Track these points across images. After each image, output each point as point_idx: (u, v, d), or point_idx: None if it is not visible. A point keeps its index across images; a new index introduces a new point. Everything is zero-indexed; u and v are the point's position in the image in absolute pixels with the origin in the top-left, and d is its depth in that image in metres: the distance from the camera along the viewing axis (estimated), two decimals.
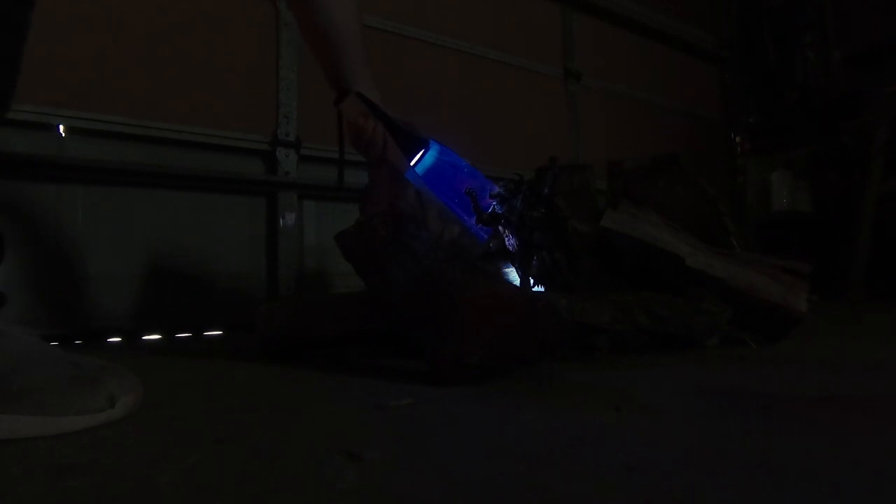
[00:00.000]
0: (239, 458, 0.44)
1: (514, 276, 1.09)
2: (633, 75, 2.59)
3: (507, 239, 1.09)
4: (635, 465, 0.41)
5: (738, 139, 3.02)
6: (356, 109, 0.96)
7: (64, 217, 1.28)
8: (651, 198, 1.16)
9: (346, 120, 0.98)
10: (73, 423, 0.51)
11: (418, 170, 1.02)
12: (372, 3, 1.77)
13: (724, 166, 2.99)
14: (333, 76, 0.96)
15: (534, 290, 1.08)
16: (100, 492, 0.37)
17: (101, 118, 1.31)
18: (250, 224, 1.55)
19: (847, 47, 2.66)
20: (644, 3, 2.62)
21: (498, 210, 1.08)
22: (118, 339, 1.32)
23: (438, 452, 0.45)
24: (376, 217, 0.86)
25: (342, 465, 0.42)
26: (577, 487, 0.37)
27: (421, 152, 1.02)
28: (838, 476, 0.39)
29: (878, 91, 2.43)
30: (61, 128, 1.28)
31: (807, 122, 2.75)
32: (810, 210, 2.74)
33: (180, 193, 1.43)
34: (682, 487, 0.37)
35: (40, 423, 0.50)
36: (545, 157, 1.17)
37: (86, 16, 1.31)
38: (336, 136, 1.04)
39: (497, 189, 1.07)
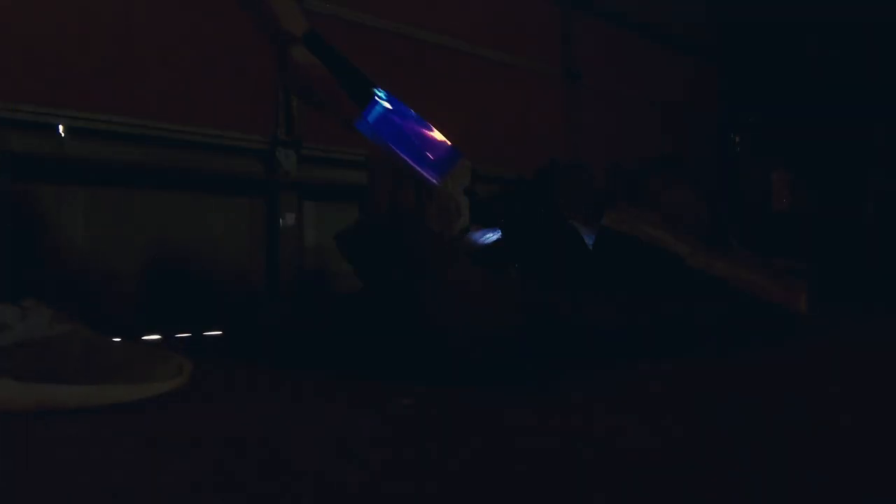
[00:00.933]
0: (239, 458, 0.44)
1: (513, 276, 1.09)
2: (632, 75, 2.58)
3: (506, 239, 1.09)
4: (635, 465, 0.41)
5: (737, 139, 3.02)
6: (302, 56, 0.90)
7: (64, 217, 1.28)
8: (651, 198, 1.16)
9: (298, 70, 0.90)
10: (158, 388, 0.62)
11: (370, 119, 0.95)
12: (371, 4, 1.77)
13: (723, 166, 2.98)
14: (269, 23, 0.91)
15: (533, 290, 1.08)
16: (100, 492, 0.37)
17: (101, 118, 1.31)
18: (250, 224, 1.55)
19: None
20: (644, 4, 2.62)
21: (498, 210, 1.09)
22: (118, 340, 1.32)
23: (439, 453, 0.45)
24: (376, 217, 0.86)
25: (342, 465, 0.42)
26: (577, 487, 0.37)
27: (373, 101, 0.95)
28: (838, 475, 0.39)
29: (879, 90, 2.43)
30: (61, 128, 1.28)
31: (807, 122, 2.75)
32: (810, 210, 2.74)
33: (180, 193, 1.43)
34: (682, 487, 0.37)
35: (137, 390, 0.60)
36: (545, 157, 1.17)
37: (85, 16, 1.31)
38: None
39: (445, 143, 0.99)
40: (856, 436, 0.50)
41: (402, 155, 0.95)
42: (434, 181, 0.97)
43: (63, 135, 1.29)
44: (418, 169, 0.96)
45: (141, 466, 0.42)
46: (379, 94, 0.95)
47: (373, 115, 0.95)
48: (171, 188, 1.42)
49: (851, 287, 2.27)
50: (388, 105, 0.94)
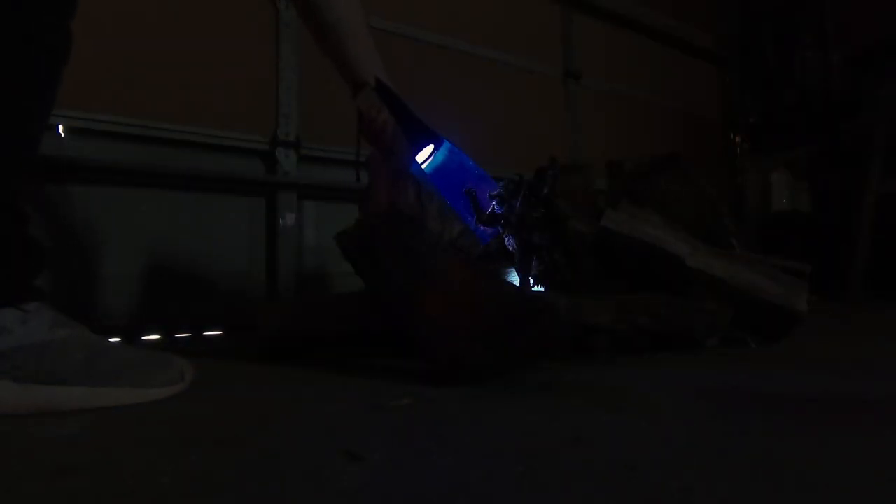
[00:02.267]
0: (239, 458, 0.44)
1: (513, 276, 1.09)
2: (633, 75, 2.59)
3: (506, 239, 1.09)
4: (635, 465, 0.41)
5: (737, 139, 3.02)
6: (369, 102, 0.96)
7: (63, 217, 1.28)
8: (651, 198, 1.16)
9: (361, 112, 0.98)
10: (159, 393, 0.63)
11: (427, 167, 1.02)
12: (371, 3, 1.77)
13: (724, 166, 2.98)
14: (347, 70, 0.97)
15: (533, 290, 1.08)
16: (100, 492, 0.37)
17: (101, 118, 1.31)
18: (250, 224, 1.55)
19: (847, 47, 2.66)
20: (644, 3, 2.62)
21: (497, 210, 1.09)
22: (118, 340, 1.32)
23: (438, 452, 0.45)
24: (376, 217, 0.86)
25: (342, 465, 0.42)
26: (576, 487, 0.37)
27: (431, 148, 1.01)
28: (837, 476, 0.39)
29: (878, 91, 2.43)
30: (61, 128, 1.28)
31: (806, 123, 2.75)
32: (810, 210, 2.74)
33: (180, 193, 1.43)
34: (681, 487, 0.37)
35: (136, 394, 0.61)
36: (545, 157, 1.17)
37: (85, 16, 1.31)
38: (355, 132, 1.03)
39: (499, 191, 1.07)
40: (854, 437, 0.50)
41: (455, 208, 1.03)
42: (485, 240, 1.06)
43: (63, 135, 1.29)
44: (471, 226, 1.04)
45: (141, 466, 0.42)
46: (441, 146, 1.01)
47: (429, 166, 1.02)
48: (171, 188, 1.42)
49: (850, 286, 2.27)
50: (444, 157, 1.02)
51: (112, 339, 0.70)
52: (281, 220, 1.56)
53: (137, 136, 1.36)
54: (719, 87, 3.05)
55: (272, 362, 0.92)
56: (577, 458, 0.43)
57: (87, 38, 1.31)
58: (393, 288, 0.77)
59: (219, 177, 1.48)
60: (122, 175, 1.35)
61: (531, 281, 1.07)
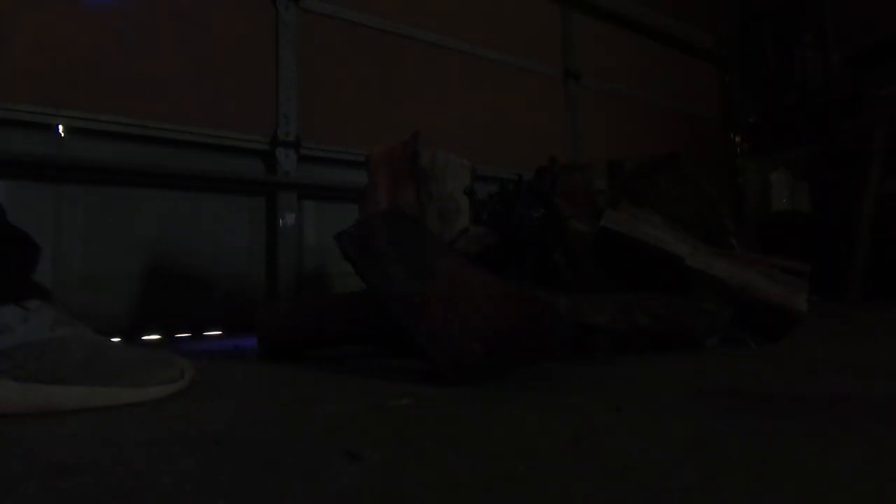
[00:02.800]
0: (239, 458, 0.44)
1: (513, 276, 1.09)
2: (633, 75, 2.59)
3: (506, 239, 1.09)
4: (635, 465, 0.41)
5: (737, 139, 3.02)
6: None
7: (64, 217, 1.28)
8: (651, 198, 1.16)
9: None
10: (158, 392, 0.63)
11: None
12: (372, 3, 1.77)
13: (724, 166, 2.99)
14: None
15: (533, 290, 1.08)
16: (100, 492, 0.37)
17: (101, 118, 1.31)
18: (250, 224, 1.55)
19: (847, 47, 2.66)
20: (644, 4, 2.62)
21: (498, 210, 1.09)
22: (118, 340, 1.32)
23: (438, 452, 0.45)
24: (376, 217, 0.86)
25: (342, 465, 0.42)
26: (577, 487, 0.37)
27: None
28: (837, 476, 0.39)
29: (878, 91, 2.43)
30: (61, 128, 1.28)
31: (806, 123, 2.75)
32: (810, 210, 2.74)
33: (180, 193, 1.43)
34: (681, 487, 0.37)
35: (136, 393, 0.61)
36: (545, 157, 1.17)
37: (86, 17, 1.31)
38: None
39: None
40: (854, 436, 0.50)
41: None
42: None
43: (63, 135, 1.29)
44: None
45: (141, 466, 0.42)
46: None
47: None
48: (171, 188, 1.42)
49: (849, 286, 2.27)
50: None
51: (112, 339, 0.70)
52: (281, 220, 1.56)
53: (137, 136, 1.36)
54: (719, 87, 3.05)
55: (272, 362, 0.92)
56: (577, 458, 0.43)
57: (88, 38, 1.31)
58: (393, 288, 0.77)
59: (219, 177, 1.48)
60: (122, 175, 1.35)
61: (531, 281, 1.07)
